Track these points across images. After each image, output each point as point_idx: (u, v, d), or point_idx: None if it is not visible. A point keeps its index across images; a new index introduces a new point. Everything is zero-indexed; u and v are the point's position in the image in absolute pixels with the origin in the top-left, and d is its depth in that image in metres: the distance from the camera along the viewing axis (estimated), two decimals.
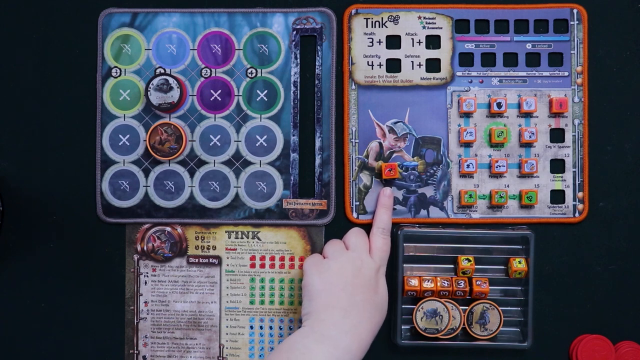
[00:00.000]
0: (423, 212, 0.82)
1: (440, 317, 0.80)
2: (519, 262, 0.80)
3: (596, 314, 0.82)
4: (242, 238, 0.83)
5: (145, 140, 0.82)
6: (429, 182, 0.82)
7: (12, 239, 0.83)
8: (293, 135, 0.83)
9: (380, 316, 0.76)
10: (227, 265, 0.83)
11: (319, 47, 0.83)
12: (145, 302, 0.83)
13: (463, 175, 0.82)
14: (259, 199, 0.83)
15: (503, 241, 0.81)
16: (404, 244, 0.81)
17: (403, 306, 0.81)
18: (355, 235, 0.79)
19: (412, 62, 0.82)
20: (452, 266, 0.82)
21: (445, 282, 0.80)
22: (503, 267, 0.82)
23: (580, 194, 0.82)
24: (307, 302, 0.75)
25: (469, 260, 0.80)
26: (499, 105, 0.81)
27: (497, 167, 0.82)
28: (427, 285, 0.80)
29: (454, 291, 0.80)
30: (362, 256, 0.77)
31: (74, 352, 0.83)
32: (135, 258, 0.83)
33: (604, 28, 0.82)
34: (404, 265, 0.81)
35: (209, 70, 0.83)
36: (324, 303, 0.74)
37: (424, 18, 0.82)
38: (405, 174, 0.82)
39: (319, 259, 0.77)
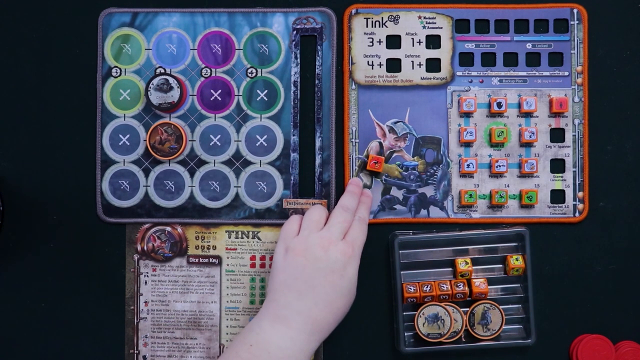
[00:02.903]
0: (423, 212, 0.82)
1: (442, 321, 0.80)
2: (516, 260, 0.80)
3: (596, 314, 0.82)
4: (242, 238, 0.83)
5: (146, 140, 0.82)
6: (429, 182, 0.82)
7: (12, 239, 0.83)
8: (293, 135, 0.83)
9: (343, 301, 0.74)
10: (227, 265, 0.83)
11: (319, 47, 0.83)
12: (146, 302, 0.83)
13: (463, 175, 0.82)
14: (259, 198, 0.83)
15: (499, 240, 0.81)
16: (400, 251, 0.81)
17: (404, 313, 0.81)
18: (336, 215, 0.77)
19: (412, 62, 0.82)
20: (450, 269, 0.82)
21: (444, 285, 0.80)
22: (501, 265, 0.82)
23: (580, 194, 0.82)
24: (270, 277, 0.75)
25: (467, 263, 0.80)
26: (499, 105, 0.81)
27: (497, 167, 0.82)
28: (426, 290, 0.80)
29: (454, 294, 0.80)
30: (333, 238, 0.75)
31: (74, 352, 0.83)
32: (135, 258, 0.83)
33: (604, 28, 0.82)
34: (402, 272, 0.81)
35: (209, 70, 0.83)
36: (281, 282, 0.73)
37: (424, 18, 0.82)
38: (405, 173, 0.82)
39: (292, 232, 0.76)
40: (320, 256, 0.73)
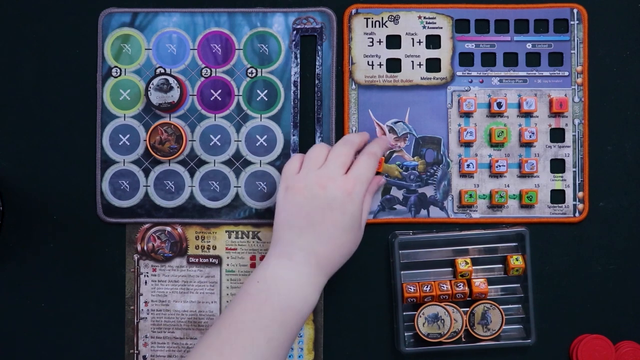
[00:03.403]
0: (423, 212, 0.82)
1: (442, 321, 0.80)
2: (516, 260, 0.80)
3: (596, 314, 0.82)
4: (242, 238, 0.83)
5: (146, 140, 0.82)
6: (429, 182, 0.82)
7: (12, 239, 0.83)
8: (293, 135, 0.83)
9: (347, 237, 0.73)
10: (228, 265, 0.83)
11: (319, 47, 0.83)
12: (146, 302, 0.83)
13: (463, 175, 0.82)
14: (259, 198, 0.83)
15: (499, 240, 0.82)
16: (400, 251, 0.81)
17: (404, 313, 0.81)
18: (335, 150, 0.76)
19: (412, 62, 0.82)
20: (450, 269, 0.82)
21: (444, 285, 0.80)
22: (501, 265, 0.82)
23: (580, 194, 0.82)
24: (274, 217, 0.75)
25: (467, 263, 0.80)
26: (499, 105, 0.81)
27: (497, 167, 0.82)
28: (426, 290, 0.80)
29: (454, 294, 0.80)
30: (332, 174, 0.73)
31: (74, 352, 0.83)
32: (136, 258, 0.83)
33: (604, 28, 0.82)
34: (402, 272, 0.81)
35: (209, 70, 0.83)
36: (283, 221, 0.74)
37: (424, 18, 0.82)
38: (405, 173, 0.82)
39: (293, 171, 0.75)
40: (318, 194, 0.73)
